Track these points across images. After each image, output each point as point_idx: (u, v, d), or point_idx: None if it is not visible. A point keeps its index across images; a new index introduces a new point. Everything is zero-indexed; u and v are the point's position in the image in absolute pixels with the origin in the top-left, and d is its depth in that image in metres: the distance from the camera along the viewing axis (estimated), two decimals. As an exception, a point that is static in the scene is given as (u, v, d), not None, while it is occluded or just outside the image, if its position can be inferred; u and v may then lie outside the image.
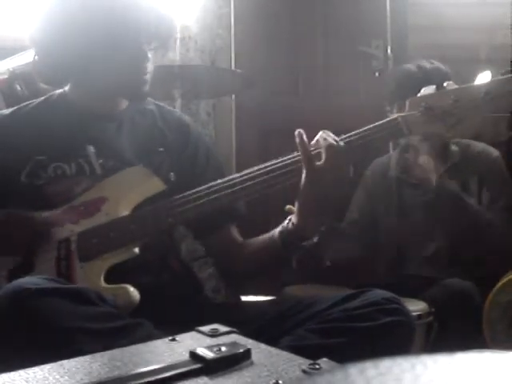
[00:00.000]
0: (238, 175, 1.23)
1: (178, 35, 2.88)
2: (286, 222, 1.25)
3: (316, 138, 1.19)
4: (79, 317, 0.99)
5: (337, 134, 1.24)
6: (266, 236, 1.31)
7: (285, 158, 1.22)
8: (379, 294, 1.17)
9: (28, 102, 1.45)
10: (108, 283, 1.21)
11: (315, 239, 1.24)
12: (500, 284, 1.69)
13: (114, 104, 1.42)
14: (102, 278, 1.21)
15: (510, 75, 1.12)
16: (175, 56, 2.85)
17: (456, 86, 1.15)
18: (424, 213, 2.01)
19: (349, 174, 1.18)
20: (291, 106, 3.08)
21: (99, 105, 1.40)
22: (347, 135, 1.20)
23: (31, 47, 1.40)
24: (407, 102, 1.19)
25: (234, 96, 3.05)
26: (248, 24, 3.11)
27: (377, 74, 3.04)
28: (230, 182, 1.23)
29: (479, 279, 1.83)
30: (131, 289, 1.18)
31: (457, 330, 1.64)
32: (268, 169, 1.22)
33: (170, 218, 1.24)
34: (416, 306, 1.64)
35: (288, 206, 1.24)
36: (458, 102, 1.13)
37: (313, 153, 1.18)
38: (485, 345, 1.65)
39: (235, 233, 1.43)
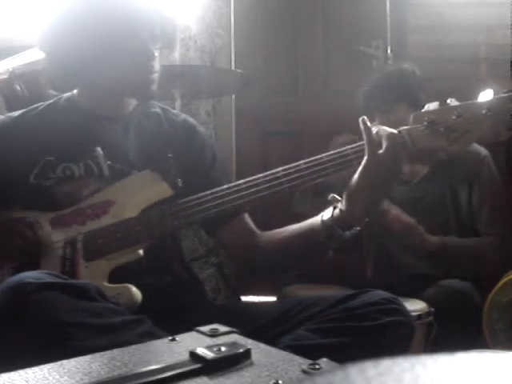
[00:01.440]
0: (242, 181, 1.24)
1: (178, 35, 2.88)
2: (330, 210, 1.25)
3: (375, 130, 1.20)
4: (79, 312, 0.99)
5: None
6: (302, 225, 1.30)
7: (289, 166, 1.22)
8: (379, 294, 1.18)
9: (37, 105, 1.47)
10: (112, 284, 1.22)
11: (358, 228, 1.24)
12: (500, 284, 1.69)
13: (121, 106, 1.43)
14: (106, 278, 1.22)
15: (511, 93, 1.14)
16: (175, 56, 2.85)
17: (459, 103, 1.18)
18: (412, 209, 2.01)
19: (402, 166, 1.20)
20: (291, 105, 3.09)
21: (106, 107, 1.41)
22: (351, 146, 1.21)
23: (42, 56, 1.41)
24: (411, 116, 1.22)
25: (233, 96, 3.05)
26: (248, 24, 3.11)
27: (377, 74, 3.04)
28: (235, 188, 1.23)
29: (478, 279, 1.83)
30: (133, 288, 1.19)
31: (456, 330, 1.64)
32: (271, 176, 1.22)
33: (176, 221, 1.25)
34: (416, 306, 1.64)
35: (332, 195, 1.25)
36: (460, 117, 1.17)
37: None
38: (485, 345, 1.66)
39: (250, 222, 1.43)
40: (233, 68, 3.01)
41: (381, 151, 1.17)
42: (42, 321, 0.96)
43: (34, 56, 1.53)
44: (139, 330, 1.01)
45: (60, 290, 1.00)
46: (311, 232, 1.27)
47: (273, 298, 2.05)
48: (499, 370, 0.31)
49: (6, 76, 1.82)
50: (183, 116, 1.53)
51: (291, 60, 3.11)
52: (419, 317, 1.62)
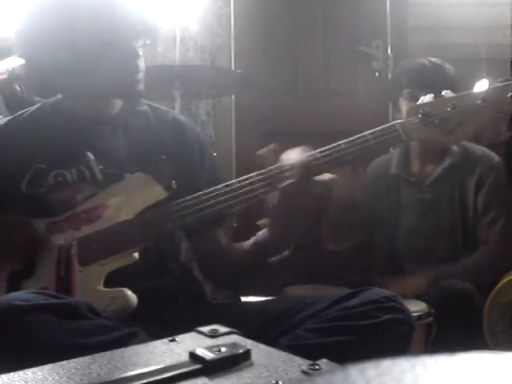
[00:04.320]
0: (236, 181, 1.23)
1: (178, 35, 2.88)
2: (261, 233, 1.27)
3: (286, 155, 1.20)
4: (69, 333, 0.98)
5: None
6: (246, 243, 1.32)
7: (283, 164, 1.21)
8: (378, 292, 1.17)
9: (22, 111, 1.44)
10: (108, 288, 1.20)
11: (287, 252, 1.26)
12: (500, 284, 1.69)
13: (107, 107, 1.40)
14: (101, 283, 1.20)
15: (506, 83, 1.14)
16: (175, 56, 2.85)
17: (453, 95, 1.18)
18: (422, 211, 2.02)
19: (318, 190, 1.17)
20: (291, 106, 3.08)
21: (93, 109, 1.38)
22: (346, 140, 1.20)
23: (22, 63, 1.38)
24: (406, 110, 1.22)
25: (233, 96, 3.05)
26: (248, 24, 3.11)
27: (377, 74, 3.04)
28: (230, 188, 1.22)
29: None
30: (128, 292, 1.17)
31: (457, 331, 1.64)
32: (266, 175, 1.21)
33: (170, 223, 1.24)
34: (416, 307, 1.64)
35: (259, 221, 1.26)
36: (455, 108, 1.16)
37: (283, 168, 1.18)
38: (485, 345, 1.65)
39: (221, 235, 1.42)
40: (233, 68, 3.01)
41: (283, 185, 1.16)
42: (32, 344, 0.95)
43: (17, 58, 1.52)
44: (133, 344, 1.00)
45: (48, 312, 0.98)
46: (248, 251, 1.30)
47: (272, 299, 2.04)
48: (499, 371, 0.31)
49: (5, 76, 1.82)
50: (172, 113, 1.51)
51: (291, 60, 3.11)
52: (419, 317, 1.61)
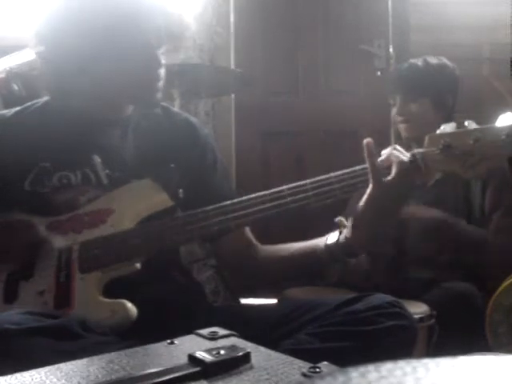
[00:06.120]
0: (245, 198, 1.21)
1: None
2: (336, 234, 1.22)
3: (387, 152, 1.16)
4: (65, 354, 0.95)
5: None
6: (305, 245, 1.28)
7: (292, 186, 1.19)
8: (381, 297, 1.16)
9: (30, 104, 1.40)
10: (107, 295, 1.17)
11: (362, 256, 1.23)
12: (503, 286, 1.68)
13: (119, 109, 1.37)
14: (100, 291, 1.18)
15: None
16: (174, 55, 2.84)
17: (477, 126, 1.13)
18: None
19: (411, 193, 1.16)
20: (291, 105, 3.08)
21: (103, 110, 1.35)
22: (361, 167, 1.17)
23: (38, 62, 1.36)
24: (426, 138, 1.17)
25: (233, 95, 3.05)
26: (247, 22, 3.11)
27: (378, 74, 3.04)
28: (238, 206, 1.20)
29: (481, 281, 1.82)
30: (129, 304, 1.14)
31: (459, 333, 1.63)
32: (276, 195, 1.19)
33: (175, 236, 1.21)
34: (418, 309, 1.63)
35: (339, 218, 1.22)
36: (478, 142, 1.11)
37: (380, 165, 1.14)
38: (487, 347, 1.64)
39: (249, 233, 1.40)
40: (232, 67, 3.01)
41: (388, 178, 1.12)
42: (25, 367, 0.94)
43: (32, 55, 1.51)
44: None
45: (42, 334, 0.96)
46: (314, 254, 1.25)
47: (273, 301, 2.04)
48: (501, 373, 0.31)
49: (3, 75, 1.82)
50: (184, 115, 1.48)
51: (291, 60, 3.11)
52: (421, 319, 1.60)
